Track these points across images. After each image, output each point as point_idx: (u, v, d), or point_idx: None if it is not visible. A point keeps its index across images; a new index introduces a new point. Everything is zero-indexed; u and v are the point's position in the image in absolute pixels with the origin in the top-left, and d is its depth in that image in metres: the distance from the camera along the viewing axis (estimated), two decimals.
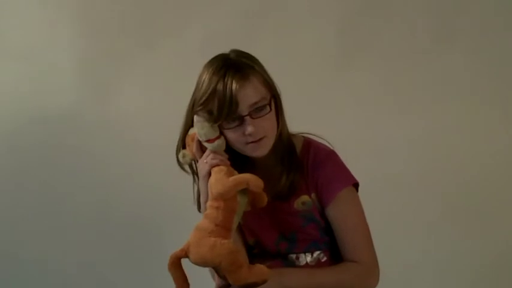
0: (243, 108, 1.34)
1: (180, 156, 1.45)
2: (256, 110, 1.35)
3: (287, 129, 1.46)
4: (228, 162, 1.39)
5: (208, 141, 1.37)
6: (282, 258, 1.48)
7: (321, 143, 1.49)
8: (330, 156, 1.46)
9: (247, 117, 1.34)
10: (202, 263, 1.29)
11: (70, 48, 2.73)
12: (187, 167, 1.48)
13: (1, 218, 2.82)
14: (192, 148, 1.42)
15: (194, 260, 1.29)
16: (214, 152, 1.38)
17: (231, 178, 1.31)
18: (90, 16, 2.71)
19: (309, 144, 1.48)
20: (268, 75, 1.41)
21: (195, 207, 1.50)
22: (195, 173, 1.48)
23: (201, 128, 1.37)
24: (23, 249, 2.79)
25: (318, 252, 1.48)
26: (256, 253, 1.51)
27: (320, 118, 2.27)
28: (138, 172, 2.67)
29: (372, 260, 1.46)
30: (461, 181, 2.43)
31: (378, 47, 2.47)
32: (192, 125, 1.42)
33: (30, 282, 2.78)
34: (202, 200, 1.42)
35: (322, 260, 1.48)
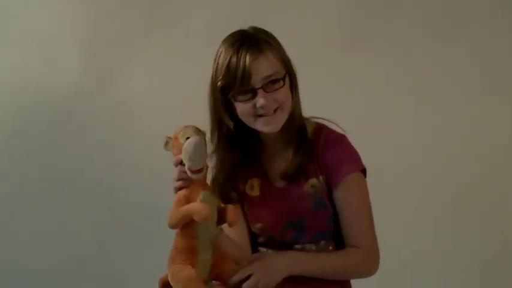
0: (256, 81, 1.34)
1: (164, 140, 1.37)
2: (270, 84, 1.36)
3: (300, 111, 1.45)
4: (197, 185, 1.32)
5: (190, 169, 1.29)
6: (286, 248, 1.46)
7: (332, 129, 1.49)
8: (340, 140, 1.46)
9: (260, 90, 1.34)
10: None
11: (76, 34, 2.73)
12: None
13: (5, 202, 2.82)
14: (173, 149, 1.35)
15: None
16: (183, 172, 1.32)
17: (178, 211, 1.28)
18: (97, 1, 2.70)
19: (320, 127, 1.48)
20: (285, 53, 1.42)
21: None
22: None
23: (187, 156, 1.29)
24: (23, 241, 2.78)
25: (323, 242, 1.48)
26: (261, 242, 1.51)
27: (324, 103, 2.25)
28: (144, 159, 2.66)
29: (373, 246, 1.46)
30: (464, 173, 2.42)
31: (383, 33, 2.46)
32: (223, 102, 1.39)
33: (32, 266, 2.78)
34: None
35: (327, 249, 1.48)
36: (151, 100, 2.64)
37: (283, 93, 1.37)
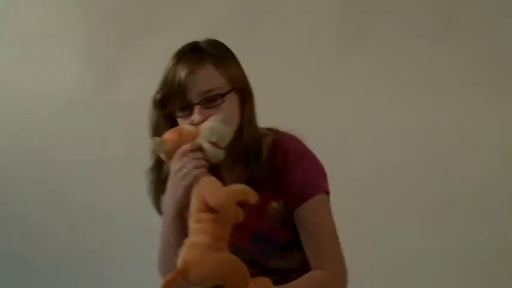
0: (193, 96, 1.27)
1: (156, 141, 1.28)
2: (208, 100, 1.28)
3: (253, 129, 1.34)
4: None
5: (215, 144, 1.24)
6: (252, 263, 1.33)
7: (291, 143, 1.38)
8: (300, 158, 1.35)
9: (197, 106, 1.27)
10: (206, 281, 1.14)
11: (73, 35, 2.74)
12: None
13: (3, 202, 2.83)
14: (176, 143, 1.26)
15: (196, 279, 1.13)
16: (202, 159, 1.24)
17: (231, 190, 1.18)
18: (93, 2, 2.71)
19: (276, 144, 1.36)
20: (237, 69, 1.34)
21: None
22: (158, 164, 1.37)
23: (221, 129, 1.24)
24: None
25: (297, 251, 1.39)
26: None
27: (319, 106, 2.26)
28: (141, 159, 2.66)
29: (339, 267, 1.37)
30: (462, 173, 2.41)
31: (377, 35, 2.45)
32: (164, 116, 1.32)
33: None
34: (174, 207, 1.27)
35: (292, 265, 1.40)
36: (149, 101, 2.64)
37: (223, 111, 1.27)
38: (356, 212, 2.28)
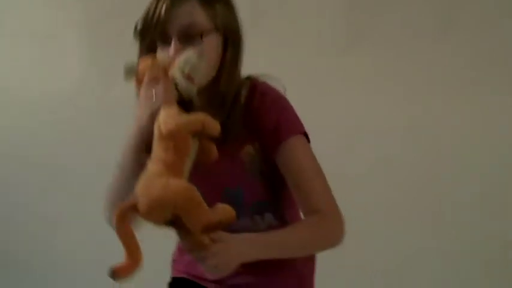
0: (172, 29, 1.22)
1: (127, 65, 1.24)
2: (186, 36, 1.23)
3: (234, 79, 1.29)
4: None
5: (190, 78, 1.18)
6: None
7: (269, 88, 1.33)
8: (276, 101, 1.31)
9: (175, 40, 1.22)
10: (154, 210, 1.04)
11: (76, 34, 2.74)
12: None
13: (5, 203, 2.82)
14: (149, 69, 1.20)
15: (145, 209, 1.04)
16: (173, 90, 1.18)
17: (186, 117, 1.10)
18: (93, 2, 2.72)
19: (253, 89, 1.32)
20: (226, 11, 1.30)
21: None
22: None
23: (195, 61, 1.18)
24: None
25: (269, 215, 1.36)
26: None
27: (319, 106, 2.26)
28: None
29: (333, 208, 1.29)
30: (462, 173, 2.41)
31: (377, 35, 2.45)
32: (146, 49, 1.26)
33: None
34: (136, 134, 1.21)
35: (274, 224, 1.36)
36: None
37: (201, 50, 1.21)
38: (356, 211, 2.27)
